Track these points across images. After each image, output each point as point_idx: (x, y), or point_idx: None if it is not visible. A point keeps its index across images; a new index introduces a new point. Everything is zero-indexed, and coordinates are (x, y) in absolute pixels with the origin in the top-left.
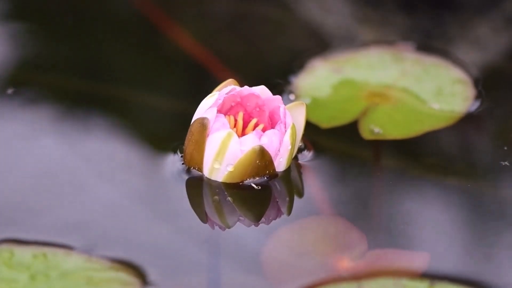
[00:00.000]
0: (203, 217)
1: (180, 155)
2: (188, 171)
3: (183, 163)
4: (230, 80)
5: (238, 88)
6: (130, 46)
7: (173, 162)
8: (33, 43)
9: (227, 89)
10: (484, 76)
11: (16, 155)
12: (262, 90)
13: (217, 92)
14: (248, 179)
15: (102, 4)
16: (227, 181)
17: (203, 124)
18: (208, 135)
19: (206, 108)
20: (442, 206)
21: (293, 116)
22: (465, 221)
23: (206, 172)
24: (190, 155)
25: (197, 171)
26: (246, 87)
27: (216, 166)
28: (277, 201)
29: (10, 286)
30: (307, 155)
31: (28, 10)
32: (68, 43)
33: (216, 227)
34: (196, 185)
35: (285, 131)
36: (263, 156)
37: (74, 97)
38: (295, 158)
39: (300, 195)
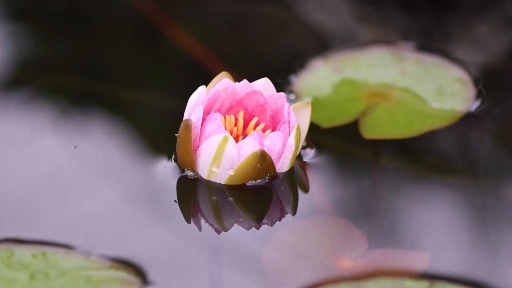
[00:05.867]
0: (202, 218)
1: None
2: (183, 172)
3: (177, 165)
4: (223, 73)
5: (233, 84)
6: (130, 46)
7: (172, 162)
8: (33, 43)
9: (220, 86)
10: (484, 76)
11: (15, 155)
12: (265, 83)
13: (203, 86)
14: (249, 181)
15: (102, 4)
16: (228, 183)
17: (187, 126)
18: (192, 137)
19: (194, 105)
20: (442, 205)
21: (297, 116)
22: (466, 221)
23: (204, 175)
24: (181, 157)
25: (192, 172)
26: (245, 81)
27: (214, 169)
28: (281, 201)
29: (9, 286)
30: (309, 154)
31: (28, 10)
32: (68, 43)
33: (217, 228)
34: (195, 187)
35: (289, 131)
36: (264, 160)
37: (74, 97)
38: (298, 157)
39: (304, 194)
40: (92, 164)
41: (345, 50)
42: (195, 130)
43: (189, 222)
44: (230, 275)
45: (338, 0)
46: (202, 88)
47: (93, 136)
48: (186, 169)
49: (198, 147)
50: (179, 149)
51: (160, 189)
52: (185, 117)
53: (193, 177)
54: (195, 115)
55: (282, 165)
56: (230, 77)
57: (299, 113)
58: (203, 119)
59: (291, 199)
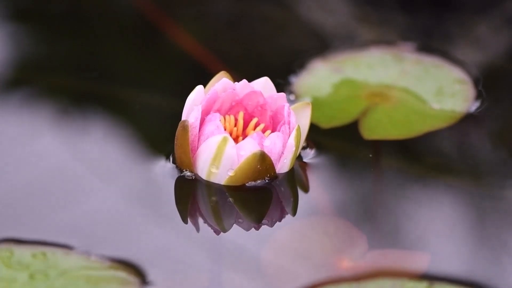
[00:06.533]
0: (201, 218)
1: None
2: (181, 172)
3: (176, 166)
4: (222, 72)
5: (232, 84)
6: (130, 46)
7: (171, 163)
8: (33, 43)
9: (219, 85)
10: (484, 76)
11: (15, 155)
12: (265, 82)
13: (200, 86)
14: (249, 182)
15: (102, 4)
16: (228, 184)
17: (184, 127)
18: (190, 137)
19: (192, 104)
20: (442, 206)
21: (297, 116)
22: (466, 221)
23: (204, 175)
24: (180, 158)
25: (190, 172)
26: (244, 81)
27: (214, 170)
28: (280, 202)
29: (9, 286)
30: (309, 155)
31: (28, 10)
32: (68, 43)
33: (216, 228)
34: (193, 187)
35: (289, 131)
36: (264, 161)
37: (74, 97)
38: (298, 157)
39: (304, 195)
40: (91, 164)
41: (345, 50)
42: (194, 131)
43: (188, 223)
44: (230, 276)
45: (338, 0)
46: (199, 87)
47: (92, 136)
48: (184, 170)
49: (198, 147)
50: (177, 150)
51: (159, 189)
52: (183, 117)
53: (191, 178)
54: (193, 115)
55: (282, 166)
56: (229, 76)
57: (299, 114)
58: (203, 120)
59: (291, 199)
